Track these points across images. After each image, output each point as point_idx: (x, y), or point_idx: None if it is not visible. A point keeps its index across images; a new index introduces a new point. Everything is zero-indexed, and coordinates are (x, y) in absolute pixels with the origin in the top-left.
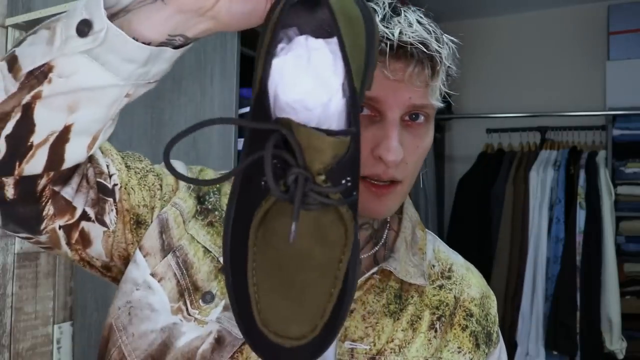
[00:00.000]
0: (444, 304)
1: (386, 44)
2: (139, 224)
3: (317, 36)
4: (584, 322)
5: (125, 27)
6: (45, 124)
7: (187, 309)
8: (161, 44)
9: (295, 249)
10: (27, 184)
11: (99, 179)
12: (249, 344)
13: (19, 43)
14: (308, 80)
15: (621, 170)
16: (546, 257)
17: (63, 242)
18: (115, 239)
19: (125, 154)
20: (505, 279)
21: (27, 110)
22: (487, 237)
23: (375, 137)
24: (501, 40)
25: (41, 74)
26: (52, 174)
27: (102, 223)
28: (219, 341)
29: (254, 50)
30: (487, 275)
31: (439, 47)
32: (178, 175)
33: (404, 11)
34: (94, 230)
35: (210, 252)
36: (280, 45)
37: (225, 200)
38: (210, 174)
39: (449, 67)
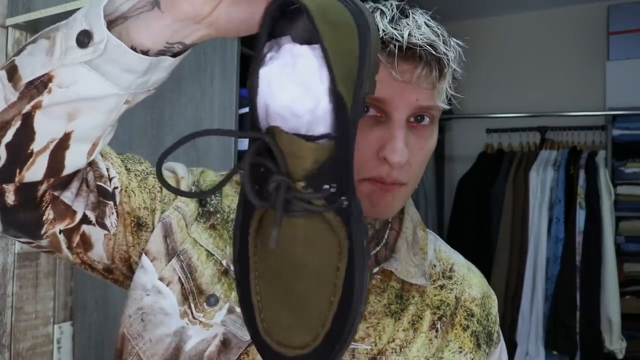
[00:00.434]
0: (445, 303)
1: (395, 45)
2: (139, 226)
3: (302, 43)
4: (583, 322)
5: (124, 35)
6: (45, 131)
7: (192, 313)
8: (159, 52)
9: (289, 257)
10: (27, 190)
11: (99, 183)
12: (258, 351)
13: (18, 52)
14: (294, 87)
15: (621, 170)
16: (546, 257)
17: (64, 246)
18: (116, 242)
19: (125, 157)
20: (505, 279)
21: (27, 119)
22: (487, 237)
23: (380, 138)
24: (501, 40)
25: (41, 84)
26: (52, 180)
27: (103, 226)
28: (225, 344)
29: (254, 50)
30: (487, 275)
31: (446, 49)
32: (172, 190)
33: (412, 13)
34: (95, 233)
35: (213, 255)
36: (269, 54)
37: (226, 202)
38: (211, 176)
39: (454, 69)
